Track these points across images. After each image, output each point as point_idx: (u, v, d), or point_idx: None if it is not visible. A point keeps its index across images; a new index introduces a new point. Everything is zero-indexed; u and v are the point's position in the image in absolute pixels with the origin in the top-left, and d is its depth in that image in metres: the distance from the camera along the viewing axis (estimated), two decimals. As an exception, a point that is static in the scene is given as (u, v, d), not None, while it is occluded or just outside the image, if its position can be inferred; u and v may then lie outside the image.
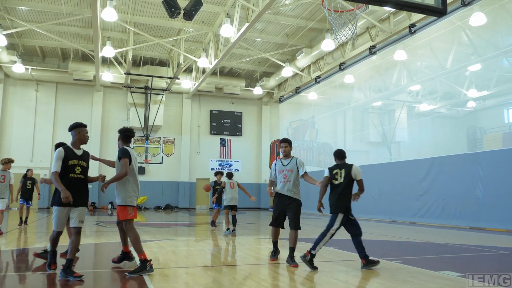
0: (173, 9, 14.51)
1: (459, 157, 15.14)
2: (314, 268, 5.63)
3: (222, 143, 27.75)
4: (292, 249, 6.03)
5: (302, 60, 21.85)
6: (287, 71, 22.15)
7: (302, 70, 23.15)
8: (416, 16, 15.50)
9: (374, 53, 18.56)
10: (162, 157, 23.94)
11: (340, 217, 5.83)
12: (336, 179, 5.98)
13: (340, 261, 6.51)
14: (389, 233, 11.75)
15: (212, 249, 8.00)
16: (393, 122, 29.47)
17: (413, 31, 16.15)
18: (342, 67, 20.57)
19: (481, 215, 13.40)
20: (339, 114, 28.16)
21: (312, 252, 5.71)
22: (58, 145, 5.71)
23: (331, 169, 6.10)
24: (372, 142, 29.65)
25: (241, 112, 28.48)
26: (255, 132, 29.08)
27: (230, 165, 27.65)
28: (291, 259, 5.97)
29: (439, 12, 4.59)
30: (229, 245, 8.72)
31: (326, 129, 28.79)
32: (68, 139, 5.37)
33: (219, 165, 27.40)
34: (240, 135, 28.38)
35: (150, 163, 23.55)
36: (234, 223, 10.51)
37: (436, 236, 10.70)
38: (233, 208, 10.68)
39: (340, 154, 6.17)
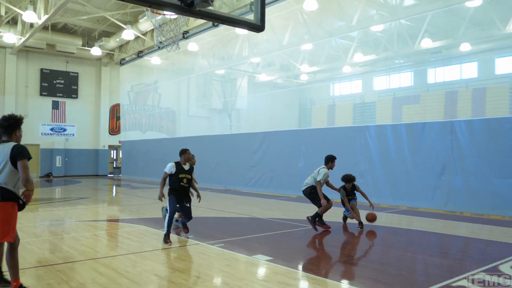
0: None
1: (287, 133, 16.64)
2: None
3: (55, 105, 25.43)
4: None
5: (145, 24, 20.98)
6: (128, 33, 21.07)
7: (144, 34, 22.29)
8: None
9: (217, 25, 18.80)
10: (-20, 120, 20.92)
11: None
12: None
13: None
14: (221, 207, 12.49)
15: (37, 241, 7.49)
16: (234, 91, 30.71)
17: (253, 8, 16.74)
18: (185, 35, 20.39)
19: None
20: (183, 80, 28.18)
21: None
22: None
23: None
24: (214, 109, 30.57)
25: (77, 73, 26.35)
26: (94, 94, 27.32)
27: (64, 130, 25.66)
28: None
29: (258, 28, 4.92)
30: (60, 229, 8.28)
31: (170, 94, 28.63)
32: None
33: (51, 129, 25.20)
34: (76, 97, 26.36)
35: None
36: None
37: (262, 209, 11.78)
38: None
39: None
